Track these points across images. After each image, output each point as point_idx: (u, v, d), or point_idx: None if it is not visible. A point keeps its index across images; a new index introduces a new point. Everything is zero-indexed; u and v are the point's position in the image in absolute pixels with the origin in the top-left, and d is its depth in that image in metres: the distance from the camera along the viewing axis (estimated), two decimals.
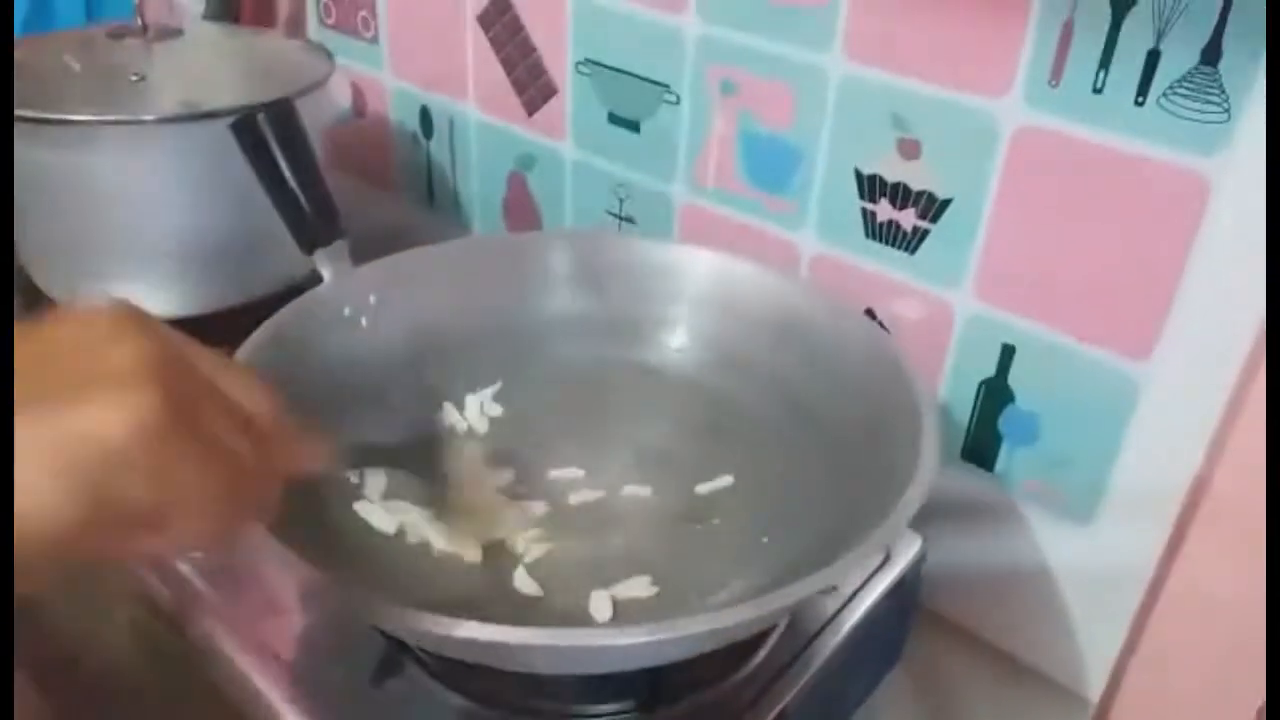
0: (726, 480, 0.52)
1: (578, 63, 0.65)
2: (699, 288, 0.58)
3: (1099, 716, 0.58)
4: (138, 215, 0.59)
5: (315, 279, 0.70)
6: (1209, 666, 0.54)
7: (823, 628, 0.48)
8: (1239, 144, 0.42)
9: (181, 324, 0.65)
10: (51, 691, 0.58)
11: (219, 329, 0.65)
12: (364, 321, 0.54)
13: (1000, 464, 0.55)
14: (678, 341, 0.59)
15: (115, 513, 0.25)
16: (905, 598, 0.54)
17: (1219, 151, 0.42)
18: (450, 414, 0.56)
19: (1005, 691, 0.57)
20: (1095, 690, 0.57)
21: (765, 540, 0.48)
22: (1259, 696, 0.45)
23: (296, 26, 0.81)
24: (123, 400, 0.25)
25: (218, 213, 0.60)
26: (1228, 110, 0.41)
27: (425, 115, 0.78)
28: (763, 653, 0.47)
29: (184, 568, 0.49)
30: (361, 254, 0.56)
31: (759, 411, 0.55)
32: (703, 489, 0.52)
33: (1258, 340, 0.44)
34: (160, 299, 0.63)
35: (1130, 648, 0.56)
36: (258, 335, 0.48)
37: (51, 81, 0.62)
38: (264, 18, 0.82)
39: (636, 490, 0.52)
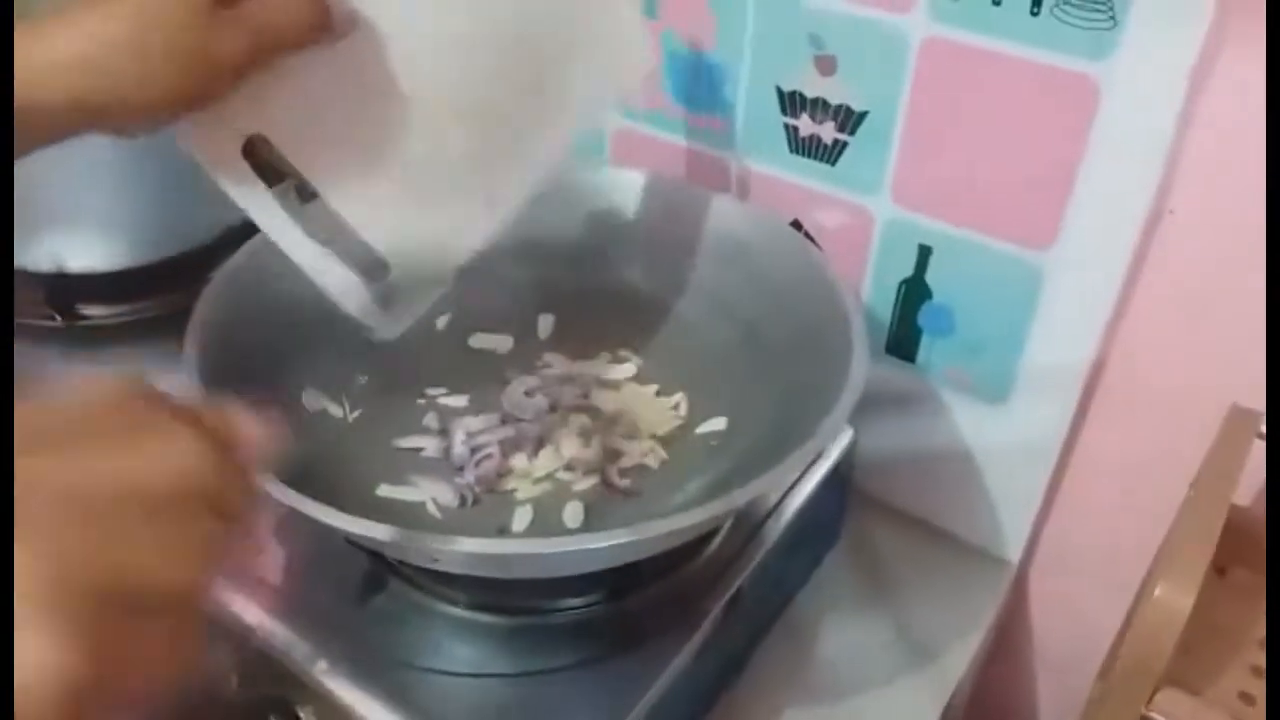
0: (680, 396, 0.56)
1: None
2: (638, 211, 0.60)
3: (1019, 575, 0.64)
4: (72, 178, 0.60)
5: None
6: (1110, 524, 0.60)
7: (767, 516, 0.53)
8: (1125, 48, 0.45)
9: (127, 274, 0.65)
10: None
11: (166, 277, 0.66)
12: None
13: (921, 355, 0.60)
14: (623, 266, 0.61)
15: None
16: (840, 484, 0.59)
17: (1107, 56, 0.46)
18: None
19: (934, 560, 0.63)
20: (1015, 552, 0.63)
21: (714, 444, 0.52)
22: (1152, 548, 0.51)
23: None
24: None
25: (149, 168, 0.61)
26: (1113, 17, 0.45)
27: None
28: (716, 541, 0.51)
29: None
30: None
31: (704, 327, 0.58)
32: (661, 404, 0.55)
33: (1146, 226, 0.49)
34: (103, 252, 0.63)
35: (1044, 513, 0.62)
36: (214, 284, 0.50)
37: None
38: None
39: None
